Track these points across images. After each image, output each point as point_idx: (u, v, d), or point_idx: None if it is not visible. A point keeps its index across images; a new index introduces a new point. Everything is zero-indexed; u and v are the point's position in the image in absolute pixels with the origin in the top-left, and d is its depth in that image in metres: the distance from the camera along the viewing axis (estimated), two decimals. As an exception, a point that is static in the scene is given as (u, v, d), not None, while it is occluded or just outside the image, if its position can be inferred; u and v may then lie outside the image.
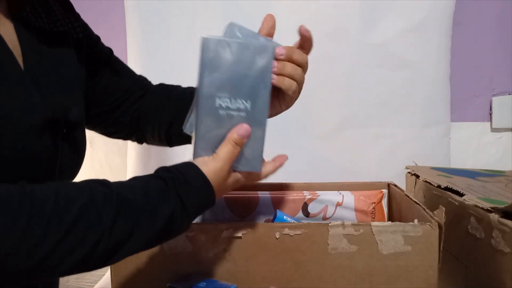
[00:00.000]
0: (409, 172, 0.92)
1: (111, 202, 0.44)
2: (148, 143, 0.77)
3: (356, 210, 0.78)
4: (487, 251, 0.59)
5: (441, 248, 0.58)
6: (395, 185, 0.82)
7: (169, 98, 0.72)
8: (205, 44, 0.50)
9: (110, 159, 1.26)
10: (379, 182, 0.85)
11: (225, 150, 0.52)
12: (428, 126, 1.12)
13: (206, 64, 0.50)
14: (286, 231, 0.60)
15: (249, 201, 0.78)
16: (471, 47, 1.16)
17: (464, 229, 0.65)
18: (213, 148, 0.53)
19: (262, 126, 0.53)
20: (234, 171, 0.54)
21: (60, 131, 0.55)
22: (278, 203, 0.79)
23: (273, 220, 0.69)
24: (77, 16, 0.65)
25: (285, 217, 0.69)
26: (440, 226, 0.58)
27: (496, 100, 1.16)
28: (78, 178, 1.36)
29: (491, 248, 0.58)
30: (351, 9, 1.08)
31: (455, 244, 0.68)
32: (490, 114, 1.17)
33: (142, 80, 0.77)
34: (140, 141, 0.77)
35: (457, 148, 1.16)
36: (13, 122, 0.48)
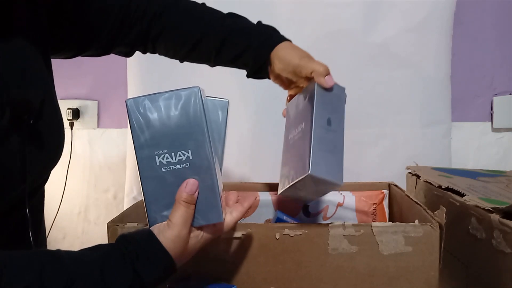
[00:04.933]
0: (409, 172, 0.91)
1: (60, 281, 0.42)
2: (153, 53, 0.76)
3: (357, 210, 0.78)
4: (488, 251, 0.59)
5: (442, 249, 0.58)
6: (396, 185, 0.82)
7: (197, 21, 0.70)
8: (129, 107, 0.49)
9: (110, 159, 1.25)
10: (379, 182, 0.85)
11: (178, 214, 0.49)
12: (428, 126, 1.12)
13: (136, 126, 0.49)
14: (286, 231, 0.60)
15: (249, 201, 0.78)
16: (472, 47, 1.16)
17: (465, 229, 0.65)
18: (167, 209, 0.50)
19: (210, 171, 0.50)
20: (196, 228, 0.51)
21: (24, 125, 0.52)
22: (278, 203, 0.79)
23: (273, 221, 0.69)
24: None
25: (285, 217, 0.68)
26: (441, 227, 0.58)
27: (497, 100, 1.16)
28: (78, 180, 1.36)
29: (492, 249, 0.58)
30: (351, 9, 1.08)
31: (456, 245, 0.68)
32: (491, 114, 1.17)
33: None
34: (144, 52, 0.76)
35: (458, 148, 1.16)
36: None
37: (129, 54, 0.75)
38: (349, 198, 0.78)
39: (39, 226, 0.64)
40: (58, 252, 0.46)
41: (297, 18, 1.09)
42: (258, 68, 0.70)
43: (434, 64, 1.10)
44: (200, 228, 0.51)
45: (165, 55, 0.75)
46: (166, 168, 0.50)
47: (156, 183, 0.50)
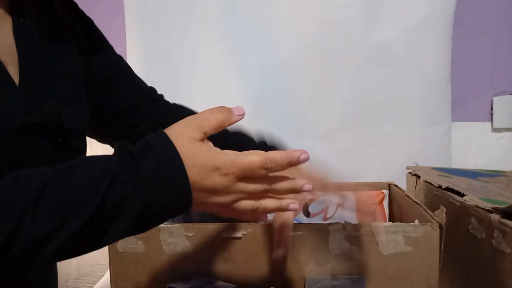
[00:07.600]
0: (409, 172, 0.91)
1: (37, 177, 0.38)
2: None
3: (357, 210, 0.78)
4: (488, 251, 0.59)
5: (441, 249, 0.58)
6: (396, 185, 0.82)
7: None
8: None
9: (110, 159, 1.25)
10: (379, 182, 0.85)
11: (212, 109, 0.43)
12: (428, 126, 1.12)
13: None
14: (286, 231, 0.60)
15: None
16: (472, 47, 1.16)
17: (465, 229, 0.65)
18: None
19: None
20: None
21: (54, 140, 0.53)
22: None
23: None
24: (84, 25, 0.62)
25: (285, 217, 0.68)
26: (440, 227, 0.58)
27: (497, 100, 1.16)
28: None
29: (492, 249, 0.58)
30: (351, 9, 1.08)
31: (456, 245, 0.68)
32: (491, 114, 1.17)
33: (150, 92, 0.73)
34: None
35: (458, 148, 1.16)
36: None
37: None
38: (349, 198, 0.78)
39: None
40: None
41: (297, 18, 1.09)
42: None
43: (434, 64, 1.10)
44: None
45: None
46: None
47: None
